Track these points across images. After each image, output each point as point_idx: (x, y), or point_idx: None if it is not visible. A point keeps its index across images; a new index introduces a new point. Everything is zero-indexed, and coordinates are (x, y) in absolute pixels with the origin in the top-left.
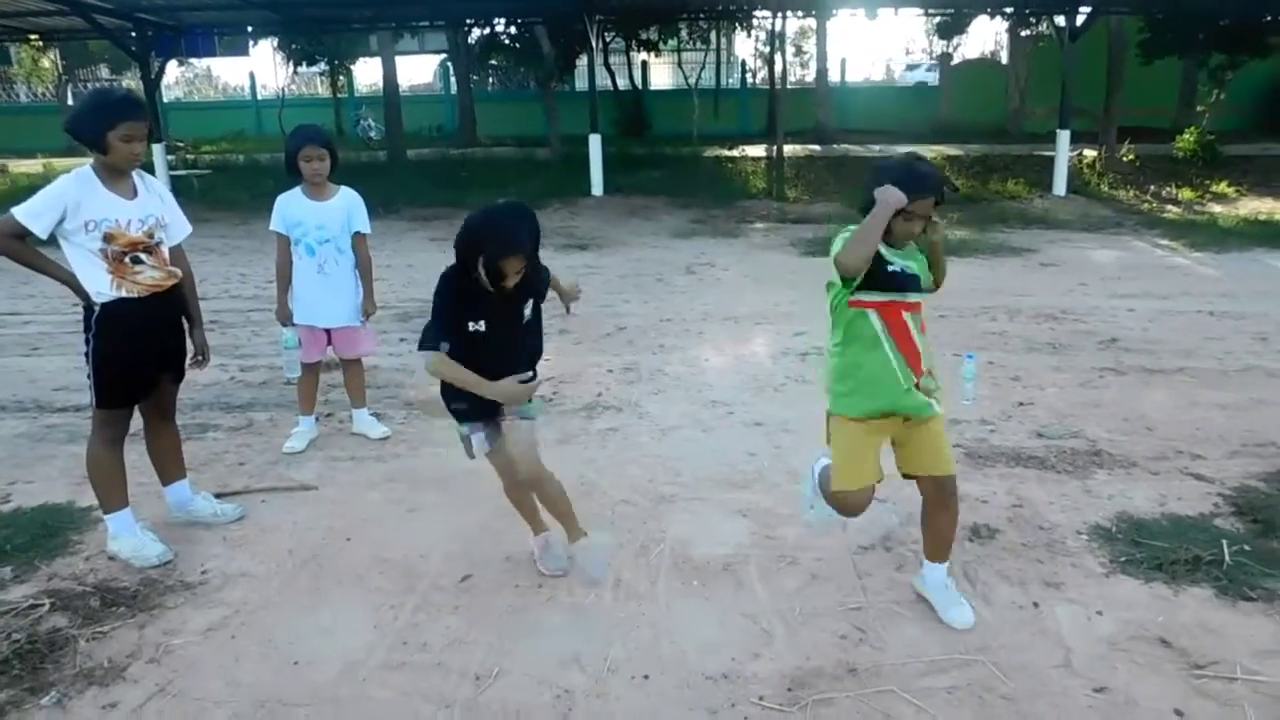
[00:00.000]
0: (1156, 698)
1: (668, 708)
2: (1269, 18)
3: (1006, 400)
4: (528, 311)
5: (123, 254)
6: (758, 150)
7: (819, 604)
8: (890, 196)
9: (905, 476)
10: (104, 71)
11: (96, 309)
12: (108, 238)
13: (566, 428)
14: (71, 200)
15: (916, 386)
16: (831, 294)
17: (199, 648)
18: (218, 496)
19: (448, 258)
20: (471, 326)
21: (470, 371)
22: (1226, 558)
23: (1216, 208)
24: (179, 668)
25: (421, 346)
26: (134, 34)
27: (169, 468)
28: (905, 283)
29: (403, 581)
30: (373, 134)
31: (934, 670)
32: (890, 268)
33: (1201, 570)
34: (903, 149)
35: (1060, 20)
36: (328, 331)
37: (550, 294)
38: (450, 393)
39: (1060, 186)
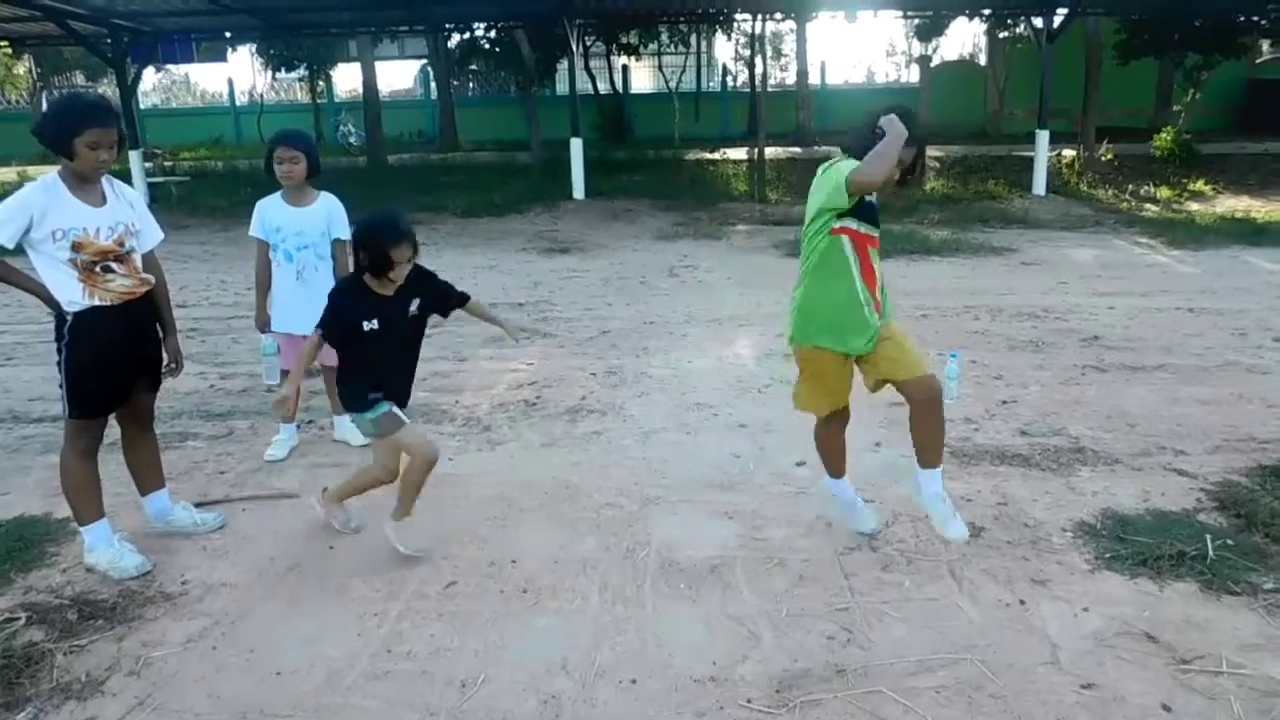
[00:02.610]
0: (1144, 693)
1: (655, 712)
2: (1241, 18)
3: (990, 399)
4: (412, 309)
5: (93, 263)
6: (739, 153)
7: (806, 605)
8: (899, 125)
9: (879, 385)
10: (79, 78)
11: (69, 318)
12: (76, 246)
13: (550, 431)
14: (37, 209)
15: (876, 309)
16: (814, 225)
17: (179, 659)
18: (197, 505)
19: (430, 262)
20: (366, 326)
21: (308, 361)
22: (1210, 552)
23: (1194, 206)
24: (159, 680)
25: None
26: (109, 40)
27: (147, 477)
28: (877, 218)
29: (386, 589)
30: (353, 140)
31: (922, 670)
32: (870, 198)
33: (1186, 565)
34: None
35: (1037, 22)
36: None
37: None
38: (364, 383)
39: (1040, 186)
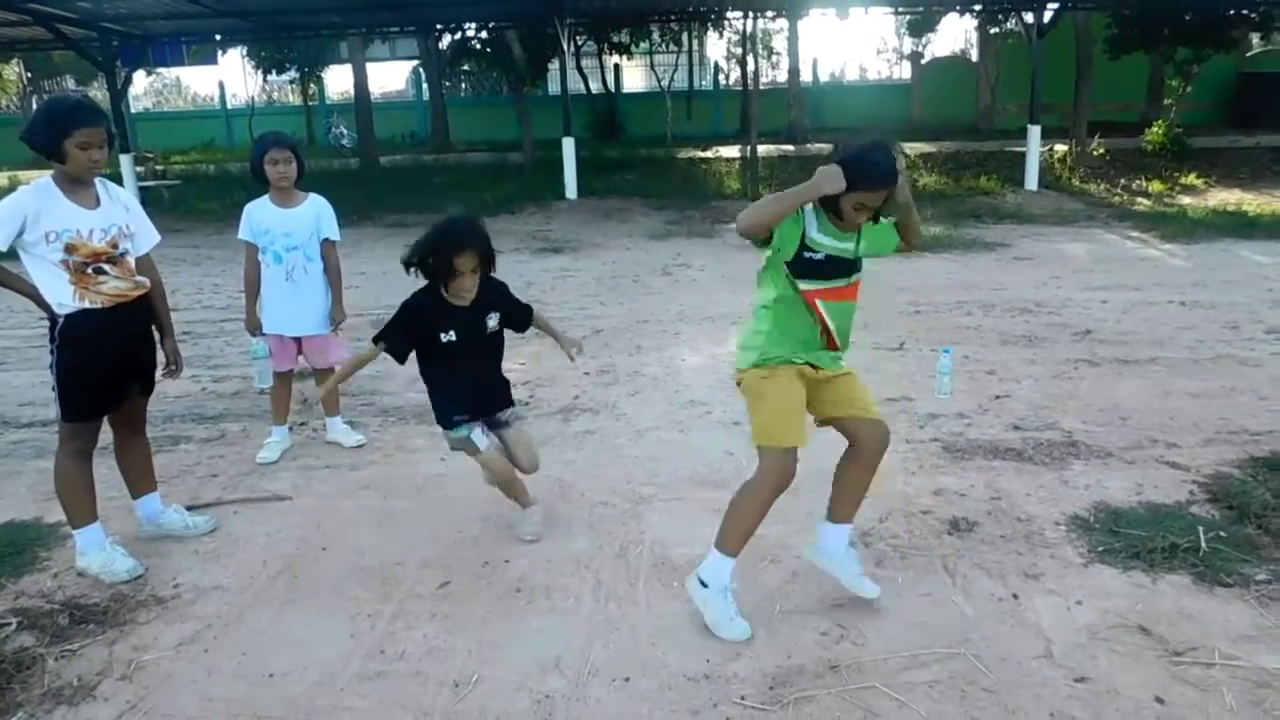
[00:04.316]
0: (1137, 686)
1: (649, 710)
2: (1231, 11)
3: (983, 394)
4: (492, 323)
5: (85, 264)
6: (731, 151)
7: (799, 602)
8: (826, 180)
9: (823, 423)
10: (70, 82)
11: (60, 321)
12: (69, 248)
13: (543, 430)
14: (30, 211)
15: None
16: (765, 270)
17: (171, 663)
18: (189, 509)
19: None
20: (444, 338)
21: (357, 366)
22: (1203, 544)
23: (1186, 199)
24: (150, 684)
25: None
26: (99, 44)
27: (139, 480)
28: (828, 270)
29: (379, 590)
30: (345, 142)
31: (915, 665)
32: (809, 255)
33: (1179, 558)
34: None
35: (1028, 17)
36: (298, 340)
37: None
38: (448, 407)
39: (1032, 181)
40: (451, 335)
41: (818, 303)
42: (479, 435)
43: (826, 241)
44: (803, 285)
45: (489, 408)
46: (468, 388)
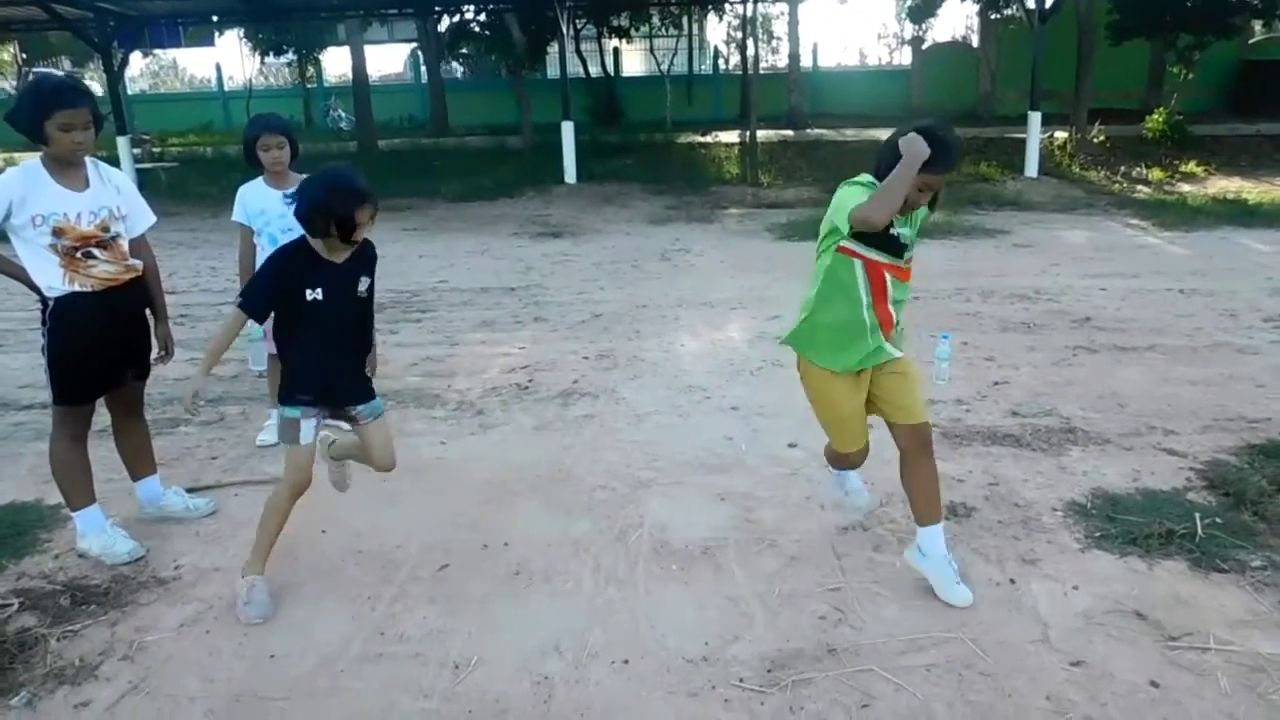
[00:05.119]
0: (1133, 670)
1: (648, 692)
2: None
3: (981, 380)
4: (362, 287)
5: (74, 248)
6: (731, 136)
7: (798, 585)
8: (918, 147)
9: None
10: (66, 64)
11: (50, 304)
12: (57, 232)
13: (543, 415)
14: (16, 194)
15: (884, 336)
16: (823, 244)
17: (173, 644)
18: (189, 491)
19: (422, 247)
20: (309, 295)
21: (225, 343)
22: (1199, 531)
23: (1186, 187)
24: (152, 664)
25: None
26: (95, 25)
27: (139, 463)
28: (900, 247)
29: (379, 572)
30: (343, 124)
31: (913, 648)
32: (892, 230)
33: (1175, 543)
34: (875, 133)
35: (1030, 3)
36: None
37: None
38: (296, 382)
39: (1032, 168)
40: (318, 294)
41: (886, 275)
42: (309, 428)
43: (899, 222)
44: (874, 256)
45: (340, 397)
46: (323, 363)
